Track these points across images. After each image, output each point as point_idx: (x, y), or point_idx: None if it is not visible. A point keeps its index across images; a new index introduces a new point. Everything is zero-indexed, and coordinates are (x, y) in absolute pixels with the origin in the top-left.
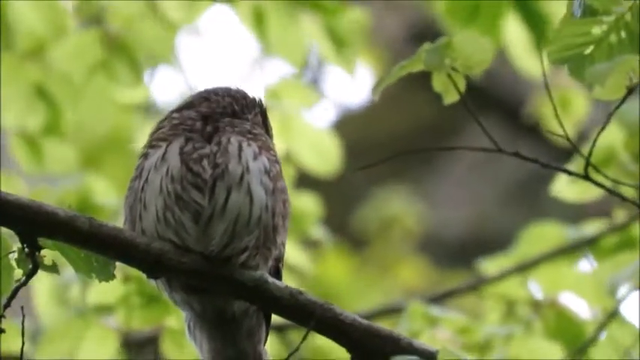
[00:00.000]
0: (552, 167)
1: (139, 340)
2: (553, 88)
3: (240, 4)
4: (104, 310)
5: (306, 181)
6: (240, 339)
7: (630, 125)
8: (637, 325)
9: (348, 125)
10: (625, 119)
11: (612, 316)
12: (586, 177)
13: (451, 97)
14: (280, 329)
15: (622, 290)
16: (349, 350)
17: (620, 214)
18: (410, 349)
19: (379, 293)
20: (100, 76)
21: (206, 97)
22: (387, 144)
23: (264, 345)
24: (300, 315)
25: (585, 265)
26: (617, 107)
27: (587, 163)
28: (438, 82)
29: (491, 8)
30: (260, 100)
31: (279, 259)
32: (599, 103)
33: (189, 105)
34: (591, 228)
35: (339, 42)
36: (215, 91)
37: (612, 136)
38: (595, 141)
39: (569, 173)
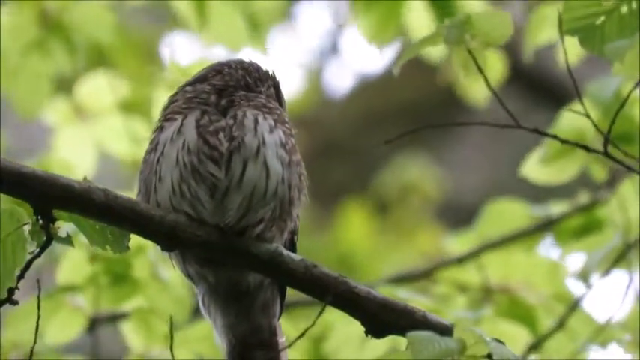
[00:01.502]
0: (571, 143)
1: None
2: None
3: None
4: (72, 289)
5: (326, 148)
6: (254, 313)
7: (602, 103)
8: (595, 316)
9: (366, 92)
10: (597, 97)
11: (573, 307)
12: (605, 154)
13: (470, 73)
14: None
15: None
16: (363, 323)
17: (584, 197)
18: (424, 322)
19: (398, 259)
20: (35, 56)
21: (219, 70)
22: (405, 111)
23: (279, 319)
24: (314, 288)
25: (548, 247)
26: (636, 85)
27: (607, 141)
28: (458, 58)
29: None
30: (273, 73)
31: (295, 232)
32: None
33: (202, 78)
34: (557, 208)
35: (253, 24)
36: (228, 64)
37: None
38: (614, 118)
39: (588, 150)
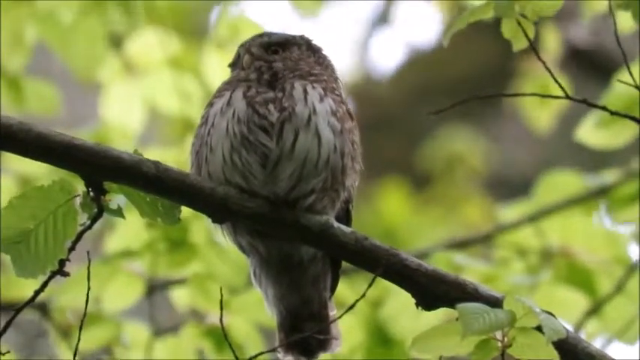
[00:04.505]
0: (620, 114)
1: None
2: (532, 79)
3: None
4: (129, 255)
5: (376, 122)
6: (305, 285)
7: None
8: None
9: (416, 65)
10: None
11: (631, 269)
12: None
13: (520, 44)
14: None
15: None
16: (414, 295)
17: (636, 163)
18: (475, 294)
19: (443, 232)
20: (91, 16)
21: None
22: (456, 85)
23: (332, 295)
24: (365, 260)
25: (602, 215)
26: None
27: None
28: (508, 29)
29: None
30: (301, 36)
31: (350, 201)
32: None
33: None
34: (610, 176)
35: None
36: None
37: None
38: None
39: (637, 121)
